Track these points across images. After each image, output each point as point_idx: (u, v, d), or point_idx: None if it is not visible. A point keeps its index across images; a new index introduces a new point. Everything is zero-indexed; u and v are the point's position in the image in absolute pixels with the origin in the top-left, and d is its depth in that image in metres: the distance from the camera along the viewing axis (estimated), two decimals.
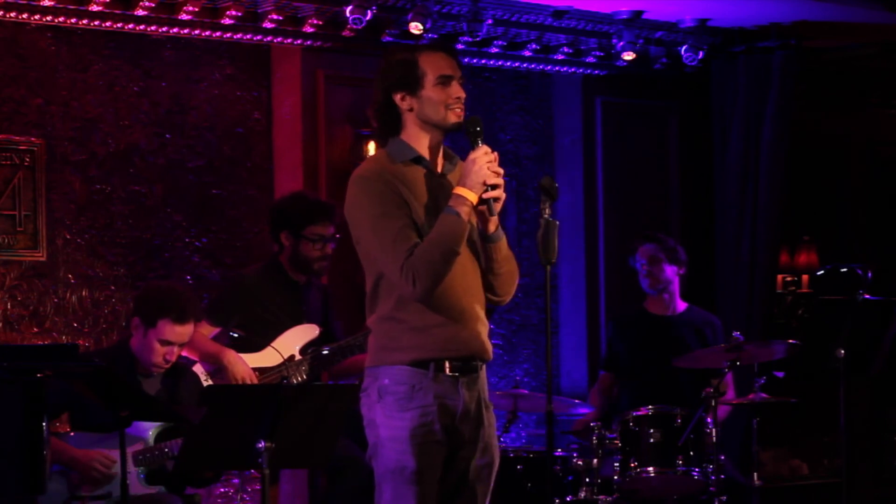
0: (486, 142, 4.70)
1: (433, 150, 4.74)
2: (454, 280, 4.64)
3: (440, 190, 4.70)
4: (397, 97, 4.71)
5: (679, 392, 7.27)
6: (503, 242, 4.75)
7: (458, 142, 4.89)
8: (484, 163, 4.62)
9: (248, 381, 6.37)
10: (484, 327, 4.76)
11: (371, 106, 4.80)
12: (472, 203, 4.61)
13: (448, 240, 4.58)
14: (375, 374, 4.71)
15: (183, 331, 6.09)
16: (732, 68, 8.88)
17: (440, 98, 4.68)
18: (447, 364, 4.66)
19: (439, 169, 4.76)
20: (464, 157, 4.72)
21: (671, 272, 7.48)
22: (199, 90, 7.62)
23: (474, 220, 4.70)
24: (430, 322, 4.64)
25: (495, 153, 4.66)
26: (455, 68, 4.72)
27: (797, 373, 7.18)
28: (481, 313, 4.76)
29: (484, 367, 4.79)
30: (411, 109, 4.71)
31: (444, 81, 4.69)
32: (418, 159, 4.72)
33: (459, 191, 4.62)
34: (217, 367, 6.43)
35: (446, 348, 4.66)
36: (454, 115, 4.70)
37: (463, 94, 4.72)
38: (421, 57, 4.70)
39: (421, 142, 4.73)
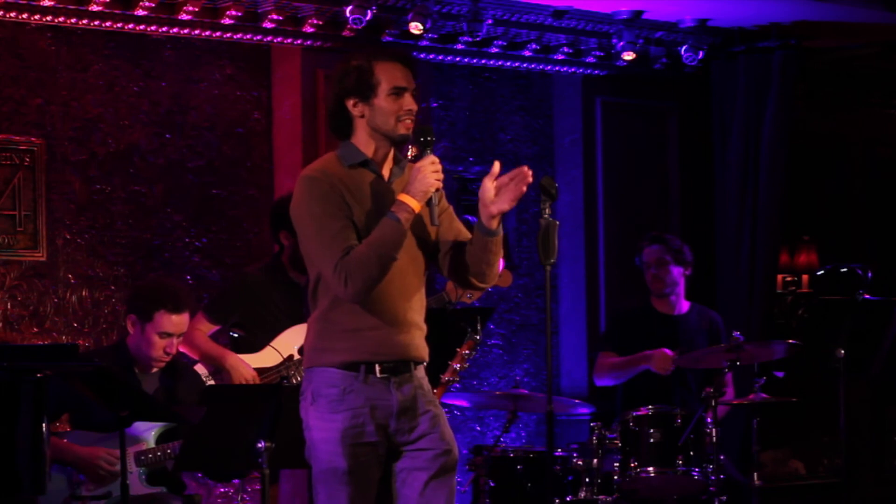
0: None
1: (381, 156, 4.79)
2: (391, 284, 4.67)
3: (384, 196, 4.73)
4: (349, 102, 4.75)
5: (683, 391, 7.26)
6: (501, 237, 4.76)
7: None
8: (429, 172, 4.65)
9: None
10: (419, 331, 4.79)
11: (325, 108, 4.84)
12: (413, 210, 4.64)
13: (385, 244, 4.61)
14: (309, 377, 4.75)
15: (180, 320, 6.12)
16: (732, 68, 8.88)
17: (392, 109, 4.71)
18: (377, 367, 4.70)
19: (387, 175, 4.80)
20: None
21: (677, 273, 7.46)
22: (199, 90, 7.62)
23: (432, 224, 4.70)
24: (361, 325, 4.68)
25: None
26: (410, 80, 4.75)
27: (797, 373, 7.18)
28: (417, 318, 4.78)
29: (420, 366, 4.81)
30: (362, 116, 4.75)
31: (398, 93, 4.72)
32: (366, 163, 4.76)
33: (403, 198, 4.66)
34: (217, 369, 6.43)
35: (377, 352, 4.69)
36: (403, 128, 4.73)
37: (415, 107, 4.75)
38: (377, 65, 4.73)
39: (370, 147, 4.77)
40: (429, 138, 4.72)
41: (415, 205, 4.64)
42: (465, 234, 4.86)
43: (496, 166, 4.70)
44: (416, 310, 4.78)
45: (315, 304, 4.76)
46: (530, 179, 4.66)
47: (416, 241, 4.75)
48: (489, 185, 4.68)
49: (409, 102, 4.72)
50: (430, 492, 4.74)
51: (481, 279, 4.81)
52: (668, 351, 7.15)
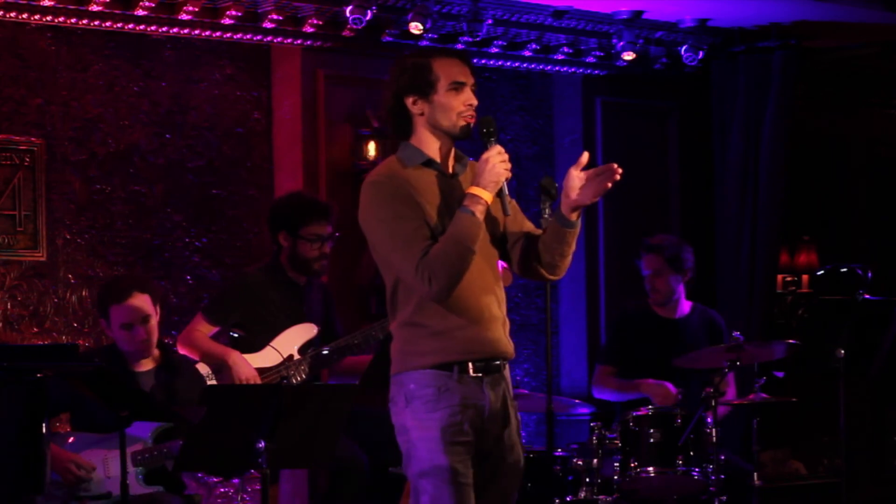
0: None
1: (444, 154, 4.74)
2: (471, 281, 4.63)
3: (451, 192, 4.69)
4: (409, 101, 4.69)
5: (686, 393, 7.25)
6: (578, 230, 4.74)
7: (463, 144, 4.88)
8: (497, 162, 4.62)
9: (253, 383, 6.36)
10: (504, 326, 4.76)
11: (382, 108, 4.80)
12: (486, 202, 4.61)
13: (463, 238, 4.57)
14: (400, 381, 4.69)
15: (133, 306, 6.09)
16: (732, 68, 8.89)
17: (452, 104, 4.66)
18: (470, 366, 4.66)
19: (450, 171, 4.75)
20: (475, 158, 4.73)
21: (674, 282, 7.44)
22: (199, 90, 7.62)
23: (501, 216, 4.70)
24: (450, 325, 4.63)
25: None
26: (468, 75, 4.71)
27: (797, 373, 7.17)
28: (501, 312, 4.75)
29: (507, 365, 4.79)
30: (422, 114, 4.69)
31: (457, 88, 4.67)
32: (429, 162, 4.71)
33: (474, 190, 4.61)
34: (219, 367, 6.43)
35: (468, 350, 4.66)
36: (464, 122, 4.69)
37: (475, 102, 4.70)
38: (435, 62, 4.68)
39: (431, 145, 4.72)
40: (492, 129, 4.68)
41: (487, 196, 4.60)
42: (531, 226, 4.84)
43: (584, 156, 4.67)
44: (499, 304, 4.74)
45: (396, 311, 4.70)
46: (618, 176, 4.61)
47: (487, 235, 4.71)
48: (575, 175, 4.65)
49: (468, 97, 4.68)
50: (496, 499, 4.74)
51: (552, 271, 4.78)
52: (671, 388, 7.14)
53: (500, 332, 4.73)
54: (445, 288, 4.57)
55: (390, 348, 4.76)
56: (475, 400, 4.66)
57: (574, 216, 4.69)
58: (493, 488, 4.73)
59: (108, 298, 6.14)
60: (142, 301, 6.13)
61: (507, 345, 4.77)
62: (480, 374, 4.67)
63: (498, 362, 4.74)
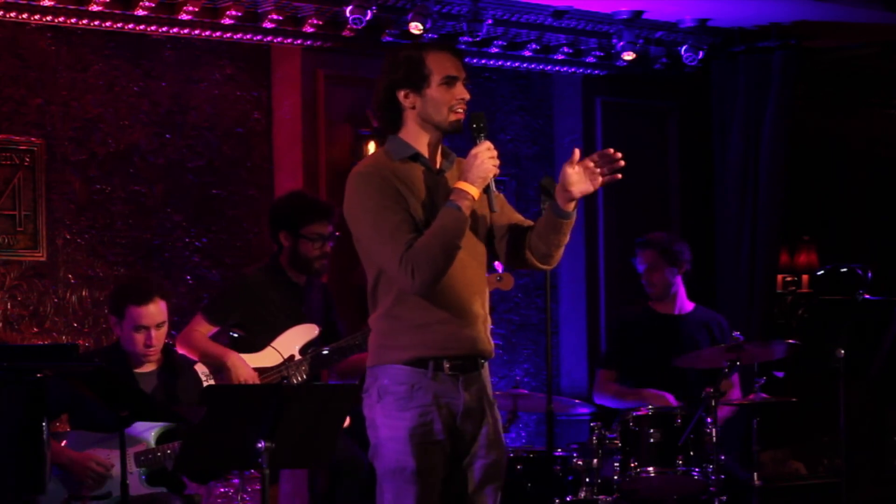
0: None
1: (432, 149, 4.74)
2: (455, 276, 4.63)
3: (437, 187, 4.70)
4: (400, 94, 4.70)
5: (687, 392, 7.25)
6: (573, 221, 4.75)
7: (452, 141, 4.88)
8: (486, 157, 4.62)
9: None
10: (485, 325, 4.74)
11: (373, 101, 4.80)
12: (472, 197, 4.61)
13: (449, 232, 4.57)
14: (375, 374, 4.70)
15: (150, 310, 6.12)
16: (732, 68, 8.89)
17: (444, 98, 4.68)
18: (446, 363, 4.65)
19: (437, 167, 4.76)
20: (462, 155, 4.73)
21: (671, 275, 7.45)
22: (199, 90, 7.63)
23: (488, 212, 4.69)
24: (430, 319, 4.63)
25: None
26: (460, 69, 4.72)
27: (797, 373, 7.17)
28: (483, 310, 4.74)
29: (486, 364, 4.78)
30: (413, 107, 4.70)
31: (450, 82, 4.68)
32: (416, 156, 4.71)
33: (461, 185, 4.62)
34: (218, 368, 6.43)
35: (446, 346, 4.65)
36: (455, 117, 4.70)
37: (467, 96, 4.72)
38: (428, 56, 4.69)
39: (420, 140, 4.72)
40: (482, 124, 4.68)
41: (474, 191, 4.60)
42: (520, 217, 4.85)
43: (576, 153, 4.68)
44: (482, 302, 4.74)
45: (376, 303, 4.70)
46: (622, 162, 4.65)
47: (473, 231, 4.71)
48: (570, 171, 4.66)
49: (461, 91, 4.69)
50: (478, 499, 4.73)
51: (546, 261, 4.79)
52: (672, 400, 7.14)
53: (481, 330, 4.72)
54: (428, 282, 4.56)
55: (369, 340, 4.77)
56: (448, 398, 4.66)
57: (570, 207, 4.70)
58: (473, 489, 4.72)
59: (129, 298, 6.14)
60: (161, 307, 6.16)
61: (487, 343, 4.75)
62: (456, 373, 4.67)
63: (475, 361, 4.72)
